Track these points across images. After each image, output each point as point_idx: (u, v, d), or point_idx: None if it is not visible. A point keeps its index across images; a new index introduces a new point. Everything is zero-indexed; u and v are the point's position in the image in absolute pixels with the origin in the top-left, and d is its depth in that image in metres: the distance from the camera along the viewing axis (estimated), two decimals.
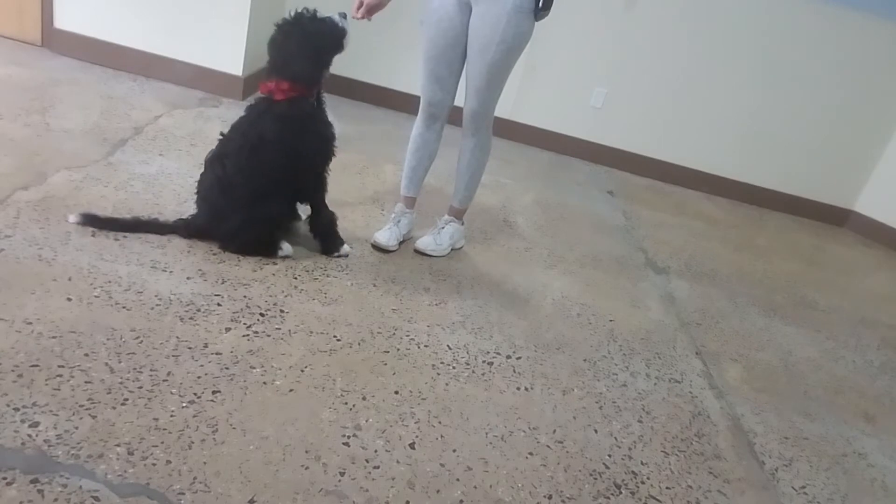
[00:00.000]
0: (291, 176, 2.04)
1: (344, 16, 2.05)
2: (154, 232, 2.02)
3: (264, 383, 1.55)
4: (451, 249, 2.46)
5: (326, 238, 2.19)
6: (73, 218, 1.94)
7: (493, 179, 3.36)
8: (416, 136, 2.39)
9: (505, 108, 4.08)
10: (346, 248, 2.22)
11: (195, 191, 2.06)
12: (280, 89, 1.97)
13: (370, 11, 2.16)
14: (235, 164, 1.96)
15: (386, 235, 2.35)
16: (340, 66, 4.25)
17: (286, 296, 1.92)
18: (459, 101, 2.28)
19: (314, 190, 2.14)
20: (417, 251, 2.38)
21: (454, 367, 1.81)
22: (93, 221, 1.95)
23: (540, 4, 2.08)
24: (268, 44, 2.01)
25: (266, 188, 1.99)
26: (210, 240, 2.06)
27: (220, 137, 2.03)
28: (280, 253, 2.09)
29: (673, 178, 4.35)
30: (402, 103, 4.06)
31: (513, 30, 2.08)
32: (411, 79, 4.05)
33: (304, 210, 2.20)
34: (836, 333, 2.72)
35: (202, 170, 2.05)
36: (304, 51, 1.97)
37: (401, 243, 2.42)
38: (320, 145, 2.08)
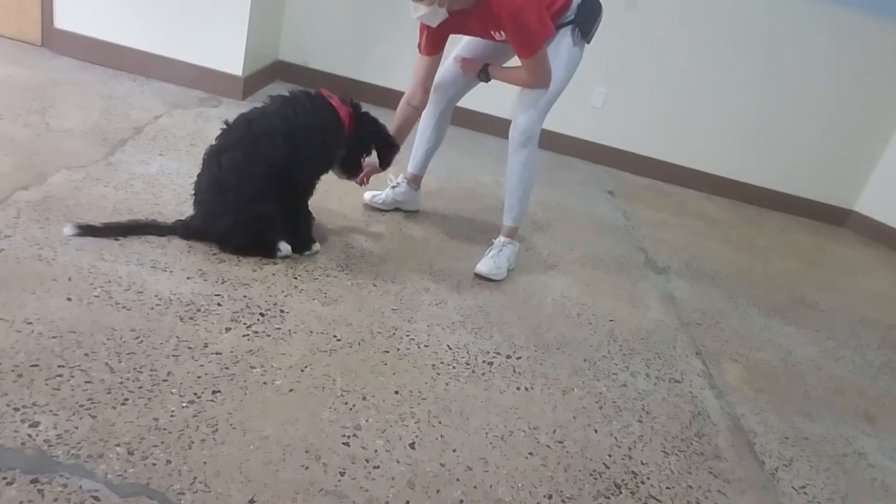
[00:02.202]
0: (286, 176, 2.04)
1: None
2: (154, 234, 2.02)
3: (264, 383, 1.55)
4: (507, 271, 2.42)
5: (298, 236, 2.17)
6: (68, 230, 1.89)
7: (492, 179, 3.36)
8: (422, 115, 2.57)
9: (505, 108, 4.08)
10: (316, 246, 2.21)
11: (193, 191, 2.06)
12: (342, 108, 2.17)
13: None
14: (231, 159, 1.96)
15: (371, 193, 2.64)
16: (341, 65, 4.28)
17: (286, 296, 1.92)
18: (499, 111, 2.34)
19: (302, 192, 2.15)
20: (479, 276, 2.34)
21: (454, 367, 1.81)
22: (89, 231, 1.91)
23: (591, 33, 2.26)
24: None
25: (260, 187, 1.98)
26: (207, 241, 2.06)
27: (223, 128, 2.04)
28: (279, 254, 2.09)
29: (673, 178, 4.35)
30: None
31: (564, 58, 2.22)
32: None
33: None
34: (836, 333, 2.73)
35: (200, 170, 2.05)
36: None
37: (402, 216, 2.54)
38: (324, 158, 2.14)
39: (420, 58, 2.33)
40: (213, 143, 2.04)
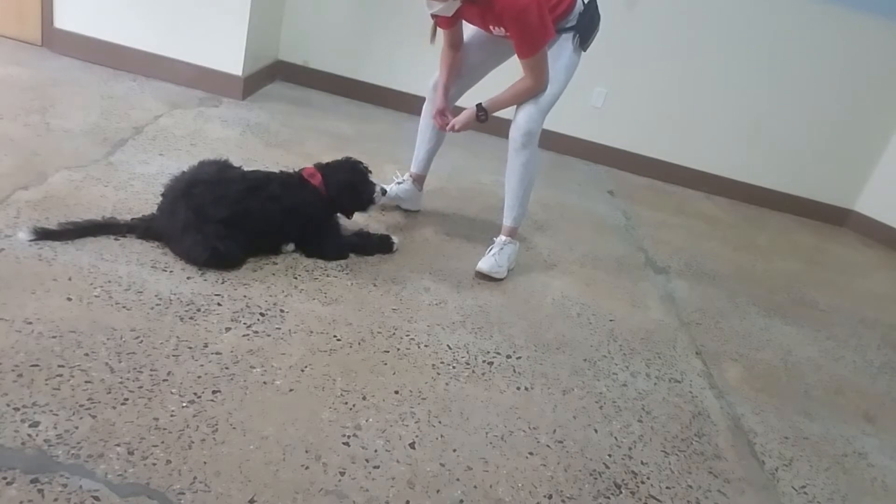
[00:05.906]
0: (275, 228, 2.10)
1: (384, 192, 2.35)
2: (112, 233, 1.95)
3: (264, 383, 1.55)
4: (508, 270, 2.42)
5: (374, 249, 2.33)
6: (23, 235, 1.82)
7: (493, 179, 3.36)
8: (422, 115, 2.59)
9: (505, 109, 4.09)
10: (395, 239, 2.37)
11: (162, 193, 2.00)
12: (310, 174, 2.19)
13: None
14: (242, 207, 1.95)
15: None
16: (341, 65, 4.27)
17: (286, 296, 1.92)
18: (500, 111, 2.32)
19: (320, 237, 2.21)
20: (480, 274, 2.34)
21: (454, 367, 1.81)
22: (46, 235, 1.85)
23: (588, 41, 2.30)
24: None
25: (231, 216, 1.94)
26: (164, 241, 1.98)
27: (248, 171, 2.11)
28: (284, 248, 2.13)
29: (673, 178, 4.35)
30: (402, 103, 4.05)
31: (564, 61, 2.26)
32: (411, 79, 4.04)
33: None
34: (836, 333, 2.73)
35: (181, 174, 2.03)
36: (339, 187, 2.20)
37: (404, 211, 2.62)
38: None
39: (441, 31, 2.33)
40: (226, 159, 2.11)
